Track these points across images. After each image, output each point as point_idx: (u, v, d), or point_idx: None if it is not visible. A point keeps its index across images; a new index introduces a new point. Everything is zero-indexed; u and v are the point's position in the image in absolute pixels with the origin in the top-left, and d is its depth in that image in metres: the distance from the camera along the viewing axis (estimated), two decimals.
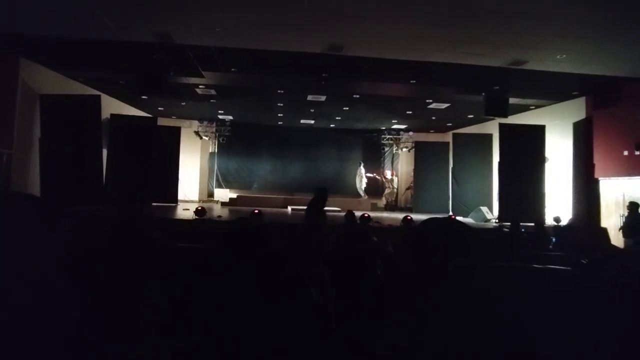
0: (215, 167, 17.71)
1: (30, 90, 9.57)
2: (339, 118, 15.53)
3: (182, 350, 1.37)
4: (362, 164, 17.21)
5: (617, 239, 7.89)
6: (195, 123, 17.00)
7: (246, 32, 7.24)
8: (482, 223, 11.75)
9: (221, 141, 17.66)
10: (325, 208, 6.33)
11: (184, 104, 13.61)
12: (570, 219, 9.52)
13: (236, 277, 1.45)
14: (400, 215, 10.26)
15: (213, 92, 11.81)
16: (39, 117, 9.75)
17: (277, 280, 1.46)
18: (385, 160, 18.55)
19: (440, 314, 1.36)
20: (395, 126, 17.14)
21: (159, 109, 14.79)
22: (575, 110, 10.80)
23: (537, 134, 11.14)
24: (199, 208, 8.77)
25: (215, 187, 17.46)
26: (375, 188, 17.31)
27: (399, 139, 18.05)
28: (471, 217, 12.45)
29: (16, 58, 9.06)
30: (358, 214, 7.32)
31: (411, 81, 10.00)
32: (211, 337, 1.37)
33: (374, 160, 18.37)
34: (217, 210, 11.97)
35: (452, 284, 1.44)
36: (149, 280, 1.50)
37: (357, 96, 11.81)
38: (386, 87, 10.64)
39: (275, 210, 12.65)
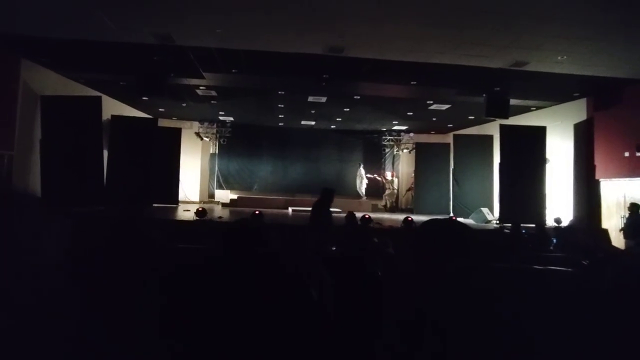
0: (216, 168, 17.73)
1: (31, 92, 9.59)
2: (340, 119, 15.53)
3: (181, 350, 1.37)
4: (362, 165, 17.22)
5: (618, 240, 7.88)
6: (196, 124, 17.01)
7: (247, 34, 7.24)
8: (483, 224, 11.75)
9: (222, 142, 17.68)
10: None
11: (184, 105, 13.62)
12: (571, 220, 9.50)
13: (235, 277, 1.45)
14: (400, 217, 10.24)
15: (214, 93, 11.82)
16: (39, 118, 9.76)
17: (276, 280, 1.45)
18: (386, 162, 18.55)
19: (440, 314, 1.36)
20: (396, 127, 17.14)
21: (160, 110, 14.81)
22: (576, 111, 10.80)
23: (538, 135, 11.13)
24: (200, 209, 8.76)
25: (216, 188, 17.49)
26: (375, 189, 17.31)
27: (400, 140, 18.05)
28: (472, 219, 12.44)
29: (17, 59, 9.07)
30: (359, 215, 7.31)
31: (412, 82, 10.00)
32: (210, 337, 1.37)
33: (375, 161, 18.39)
34: (218, 211, 11.97)
35: (451, 285, 1.43)
36: (148, 280, 1.50)
37: (358, 97, 11.81)
38: (387, 88, 10.64)
39: (275, 211, 12.65)
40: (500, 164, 11.16)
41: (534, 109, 12.24)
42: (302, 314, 1.41)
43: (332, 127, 17.23)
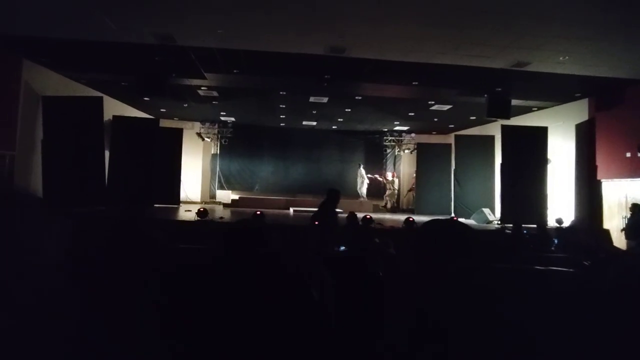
0: (217, 169, 17.74)
1: (33, 92, 9.61)
2: (341, 119, 15.53)
3: (182, 351, 1.37)
4: (362, 166, 17.21)
5: (619, 240, 7.88)
6: (198, 125, 17.01)
7: (248, 34, 7.25)
8: (485, 225, 11.72)
9: (223, 143, 17.67)
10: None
11: (186, 105, 13.63)
12: (573, 221, 9.49)
13: (236, 277, 1.45)
14: (402, 217, 10.22)
15: (215, 93, 11.84)
16: (41, 119, 9.78)
17: (277, 280, 1.45)
18: (388, 162, 18.54)
19: (441, 314, 1.35)
20: (397, 128, 17.13)
21: (161, 110, 14.83)
22: (577, 111, 10.78)
23: (539, 135, 11.12)
24: (201, 209, 8.75)
25: (217, 189, 17.49)
26: (376, 190, 17.30)
27: (401, 140, 18.03)
28: (473, 219, 12.43)
29: (19, 59, 9.10)
30: (360, 215, 7.31)
31: (413, 83, 10.01)
32: (211, 337, 1.37)
33: (376, 161, 18.38)
34: (219, 212, 11.97)
35: (453, 285, 1.43)
36: (149, 280, 1.50)
37: (359, 98, 11.81)
38: (388, 88, 10.64)
39: (277, 211, 12.65)
40: (502, 165, 11.15)
41: (536, 109, 12.22)
42: (303, 314, 1.41)
43: (333, 127, 17.22)
